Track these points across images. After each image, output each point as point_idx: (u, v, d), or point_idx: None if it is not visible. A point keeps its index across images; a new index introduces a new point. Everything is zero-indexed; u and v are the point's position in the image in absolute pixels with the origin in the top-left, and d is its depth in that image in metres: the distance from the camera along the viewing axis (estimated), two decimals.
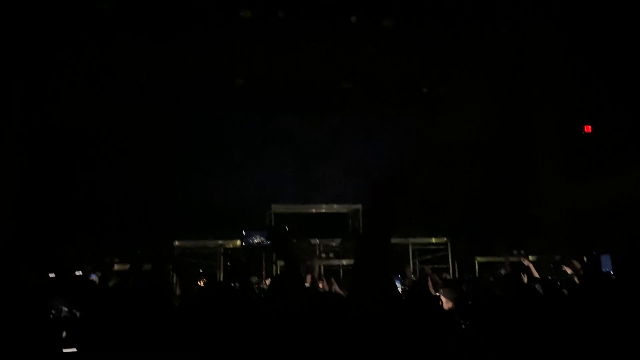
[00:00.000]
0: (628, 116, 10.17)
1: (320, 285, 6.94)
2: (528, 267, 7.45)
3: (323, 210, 11.63)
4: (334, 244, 10.63)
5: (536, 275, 7.27)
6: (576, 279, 6.68)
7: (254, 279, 8.77)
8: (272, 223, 10.51)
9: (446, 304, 4.59)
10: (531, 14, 11.36)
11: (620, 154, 10.26)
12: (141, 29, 10.48)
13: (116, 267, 7.69)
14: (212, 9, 10.59)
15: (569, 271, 7.51)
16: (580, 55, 10.74)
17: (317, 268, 5.87)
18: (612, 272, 7.32)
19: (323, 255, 9.97)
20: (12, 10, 9.44)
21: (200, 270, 8.91)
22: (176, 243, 9.85)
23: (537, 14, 11.30)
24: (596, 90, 10.73)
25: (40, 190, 9.83)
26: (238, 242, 9.64)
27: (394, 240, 10.97)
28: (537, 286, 5.64)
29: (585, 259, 7.78)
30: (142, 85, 11.25)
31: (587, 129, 11.35)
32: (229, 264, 7.04)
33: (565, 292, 5.05)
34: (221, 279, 9.50)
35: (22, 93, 9.91)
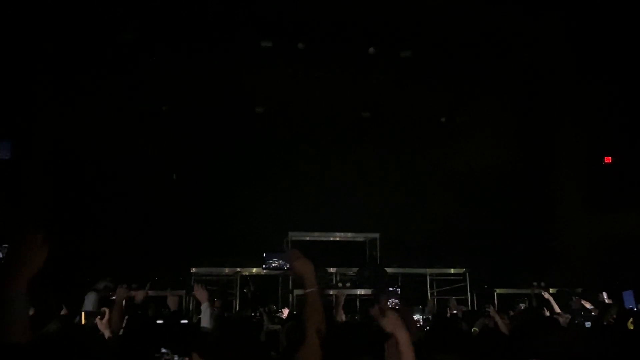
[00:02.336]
0: None
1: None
2: (548, 300, 7.32)
3: (340, 239, 11.59)
4: (351, 272, 10.56)
5: (556, 309, 7.13)
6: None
7: (272, 307, 8.75)
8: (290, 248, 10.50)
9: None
10: (552, 43, 11.40)
11: None
12: (163, 58, 10.74)
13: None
14: (234, 38, 10.83)
15: (588, 306, 7.36)
16: (602, 87, 10.71)
17: (342, 300, 5.80)
18: (635, 309, 7.15)
19: (340, 284, 9.89)
20: (38, 37, 9.74)
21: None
22: (193, 270, 9.87)
23: (558, 44, 11.34)
24: (617, 121, 10.68)
25: (59, 216, 9.94)
26: (254, 270, 9.63)
27: (412, 271, 10.97)
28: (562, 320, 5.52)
29: (604, 295, 7.64)
30: (163, 113, 11.45)
31: (607, 159, 11.26)
32: (245, 290, 7.03)
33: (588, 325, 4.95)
34: (237, 306, 9.49)
35: (47, 120, 10.13)
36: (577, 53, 10.99)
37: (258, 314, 7.55)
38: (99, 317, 4.71)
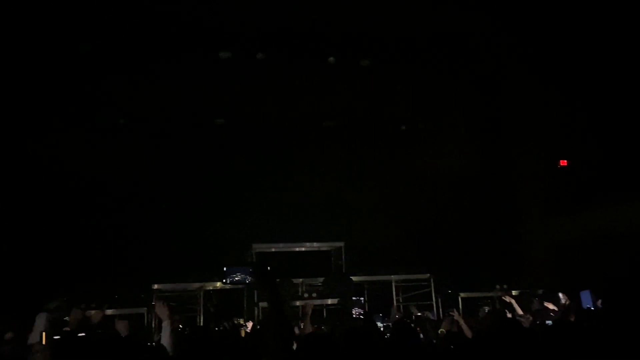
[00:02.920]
0: (604, 149, 10.41)
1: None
2: (510, 303, 7.44)
3: (305, 249, 11.52)
4: (317, 283, 10.49)
5: (519, 311, 7.24)
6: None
7: (237, 321, 8.59)
8: (254, 261, 10.38)
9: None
10: (509, 50, 11.71)
11: (597, 187, 10.43)
12: (121, 69, 10.55)
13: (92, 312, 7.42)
14: (193, 50, 10.73)
15: (550, 306, 7.51)
16: (558, 90, 11.03)
17: (309, 311, 5.71)
18: (592, 308, 7.33)
19: (305, 295, 9.81)
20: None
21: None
22: (155, 286, 9.60)
23: (515, 50, 11.66)
24: (571, 124, 11.00)
25: (15, 234, 9.58)
26: (218, 284, 9.46)
27: (377, 278, 10.98)
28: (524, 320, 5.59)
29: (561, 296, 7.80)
30: (122, 127, 11.21)
31: (563, 163, 11.57)
32: (208, 305, 6.87)
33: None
34: (201, 322, 9.29)
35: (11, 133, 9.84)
36: (534, 58, 11.32)
37: (221, 328, 7.39)
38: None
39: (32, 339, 5.30)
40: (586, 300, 7.80)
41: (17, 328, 5.96)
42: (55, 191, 10.31)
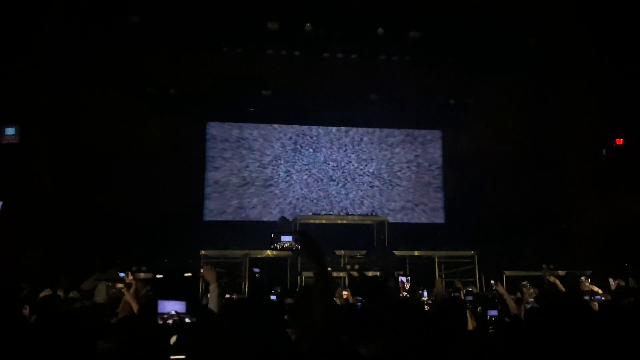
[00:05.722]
0: None
1: (345, 295, 6.90)
2: (554, 284, 7.26)
3: (347, 222, 11.60)
4: (358, 255, 10.57)
5: (562, 290, 7.08)
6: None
7: (278, 290, 8.76)
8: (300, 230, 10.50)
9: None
10: (562, 24, 11.23)
11: None
12: (168, 41, 10.72)
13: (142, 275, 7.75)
14: (240, 21, 10.77)
15: (596, 290, 7.29)
16: (613, 68, 10.54)
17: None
18: None
19: (348, 266, 9.90)
20: (46, 21, 9.73)
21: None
22: (202, 252, 9.91)
23: (568, 24, 11.17)
24: (628, 102, 10.52)
25: (67, 201, 9.96)
26: (267, 252, 9.62)
27: (420, 253, 10.96)
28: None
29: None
30: (171, 97, 11.43)
31: (619, 141, 11.10)
32: (257, 274, 7.00)
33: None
34: (246, 288, 9.53)
35: (53, 104, 10.13)
36: (589, 33, 10.81)
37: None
38: (124, 287, 4.74)
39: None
40: None
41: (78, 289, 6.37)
42: (103, 161, 10.59)
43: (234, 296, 7.30)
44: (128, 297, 4.60)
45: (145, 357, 2.14)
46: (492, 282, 6.61)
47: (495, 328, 4.08)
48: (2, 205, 8.34)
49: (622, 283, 7.49)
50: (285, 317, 3.16)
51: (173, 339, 2.73)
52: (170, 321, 2.36)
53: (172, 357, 2.27)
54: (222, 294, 5.01)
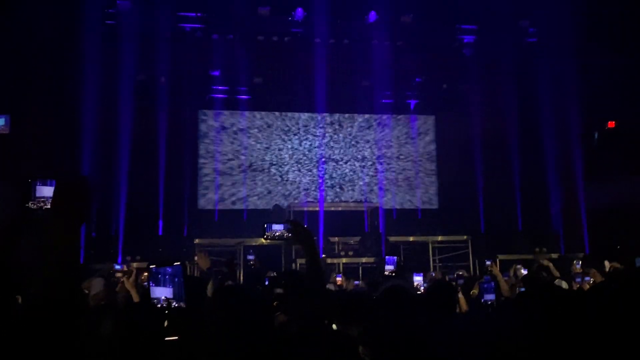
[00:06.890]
0: None
1: (339, 282, 6.93)
2: (548, 267, 7.30)
3: (341, 209, 11.62)
4: (352, 242, 10.61)
5: (556, 274, 7.13)
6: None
7: (271, 274, 8.78)
8: (292, 219, 10.53)
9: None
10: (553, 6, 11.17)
11: None
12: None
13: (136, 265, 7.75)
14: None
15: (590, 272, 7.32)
16: (603, 50, 10.52)
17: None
18: None
19: (342, 253, 9.95)
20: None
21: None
22: (196, 241, 9.93)
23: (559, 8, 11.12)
24: (618, 86, 10.52)
25: None
26: (261, 240, 9.64)
27: (414, 238, 10.99)
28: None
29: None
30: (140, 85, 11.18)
31: (611, 124, 11.12)
32: (251, 262, 7.03)
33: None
34: (241, 277, 9.55)
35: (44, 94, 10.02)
36: (578, 17, 10.77)
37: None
38: (125, 275, 4.75)
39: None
40: None
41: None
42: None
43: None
44: (128, 285, 4.61)
45: (143, 340, 2.18)
46: (488, 262, 6.64)
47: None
48: None
49: (618, 266, 7.54)
50: (275, 303, 3.17)
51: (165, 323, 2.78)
52: (159, 305, 2.40)
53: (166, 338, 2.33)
54: (222, 281, 5.05)
